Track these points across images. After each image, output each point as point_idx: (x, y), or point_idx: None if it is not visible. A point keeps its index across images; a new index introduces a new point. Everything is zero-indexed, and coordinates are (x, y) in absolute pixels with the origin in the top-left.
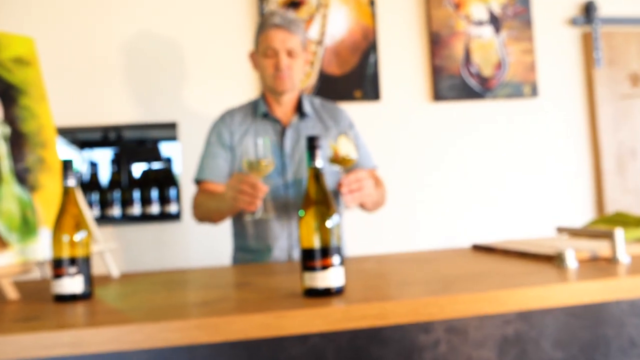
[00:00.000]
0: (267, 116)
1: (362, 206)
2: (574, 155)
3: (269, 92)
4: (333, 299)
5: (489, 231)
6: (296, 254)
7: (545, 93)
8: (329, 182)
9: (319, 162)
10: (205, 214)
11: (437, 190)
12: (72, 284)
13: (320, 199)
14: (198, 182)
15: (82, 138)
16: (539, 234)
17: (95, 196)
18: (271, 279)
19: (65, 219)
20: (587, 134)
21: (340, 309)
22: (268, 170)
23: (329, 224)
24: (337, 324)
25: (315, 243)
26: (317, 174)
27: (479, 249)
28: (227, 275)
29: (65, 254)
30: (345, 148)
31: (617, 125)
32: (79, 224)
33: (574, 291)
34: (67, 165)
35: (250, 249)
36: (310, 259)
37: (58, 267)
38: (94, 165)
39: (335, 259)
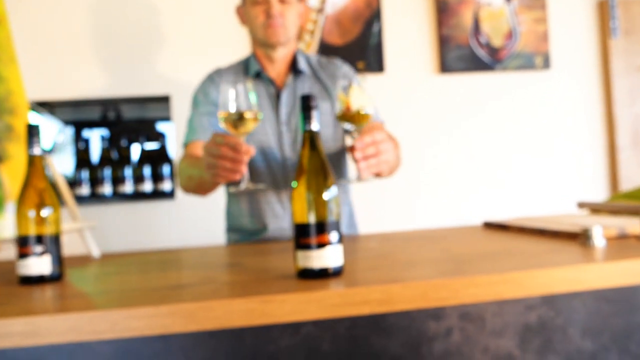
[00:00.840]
0: (260, 75)
1: (378, 174)
2: (588, 130)
3: (261, 47)
4: (330, 281)
5: (497, 209)
6: None
7: (558, 65)
8: (331, 147)
9: (315, 125)
10: (189, 183)
11: (443, 167)
12: (39, 264)
13: (316, 167)
14: (186, 145)
15: (71, 114)
16: (551, 212)
17: (86, 174)
18: (265, 259)
19: (30, 192)
20: (602, 108)
21: (338, 293)
22: (252, 126)
23: (326, 195)
24: (334, 311)
25: (310, 218)
26: (312, 139)
27: (491, 226)
28: (217, 256)
29: (31, 231)
30: (359, 100)
31: (633, 99)
32: (46, 198)
33: (605, 272)
34: (32, 131)
35: (244, 229)
36: (304, 236)
37: (23, 245)
38: (85, 141)
39: (333, 236)
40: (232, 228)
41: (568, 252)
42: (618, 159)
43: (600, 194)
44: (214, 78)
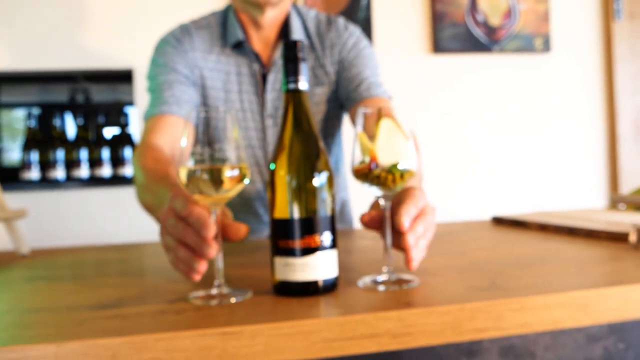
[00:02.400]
0: (242, 47)
1: None
2: (588, 117)
3: (244, 8)
4: (320, 302)
5: (490, 200)
6: None
7: (558, 47)
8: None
9: (302, 83)
10: (146, 206)
11: (434, 153)
12: None
13: (304, 142)
14: (148, 119)
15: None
16: (549, 205)
17: (35, 155)
18: (233, 261)
19: None
20: (603, 95)
21: (333, 322)
22: (234, 191)
23: (316, 181)
24: (326, 349)
25: (293, 211)
26: (298, 102)
27: (502, 222)
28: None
29: None
30: (392, 144)
31: (636, 87)
32: None
33: None
34: None
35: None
36: (285, 236)
37: None
38: (37, 118)
39: (325, 238)
40: None
41: (626, 260)
42: (618, 150)
43: (598, 185)
44: (180, 39)
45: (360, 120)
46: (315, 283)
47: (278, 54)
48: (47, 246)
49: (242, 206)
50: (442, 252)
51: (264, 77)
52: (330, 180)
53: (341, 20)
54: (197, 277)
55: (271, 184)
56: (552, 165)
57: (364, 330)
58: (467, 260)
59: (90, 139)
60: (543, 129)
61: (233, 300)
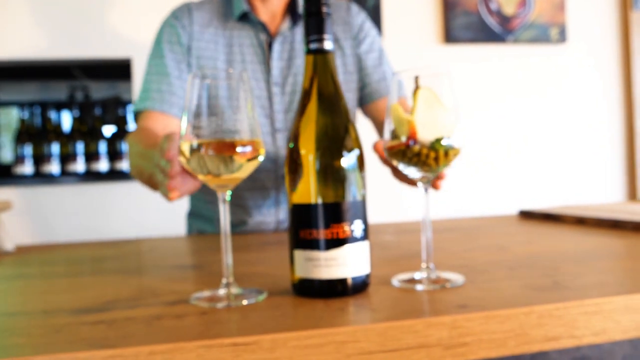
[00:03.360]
0: (248, 17)
1: None
2: (605, 110)
3: None
4: (350, 304)
5: (504, 194)
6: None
7: (575, 38)
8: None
9: (328, 43)
10: (139, 176)
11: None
12: None
13: (330, 113)
14: (137, 113)
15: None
16: (563, 199)
17: (29, 149)
18: (241, 257)
19: None
20: (621, 87)
21: (371, 330)
22: (245, 173)
23: (345, 159)
24: None
25: (317, 195)
26: (323, 65)
27: (531, 216)
28: (175, 250)
29: None
30: (434, 116)
31: None
32: None
33: None
34: None
35: (209, 218)
36: (307, 225)
37: None
38: (30, 110)
39: (356, 227)
40: (195, 213)
41: None
42: (636, 143)
43: (616, 180)
44: (180, 18)
45: (394, 88)
46: (343, 281)
47: (285, 26)
48: (40, 243)
49: (247, 180)
50: (479, 246)
51: (270, 47)
52: (362, 160)
53: (352, 4)
54: (174, 196)
55: (290, 164)
56: (567, 159)
57: (411, 341)
58: (510, 255)
59: (86, 131)
60: (558, 122)
61: (245, 302)
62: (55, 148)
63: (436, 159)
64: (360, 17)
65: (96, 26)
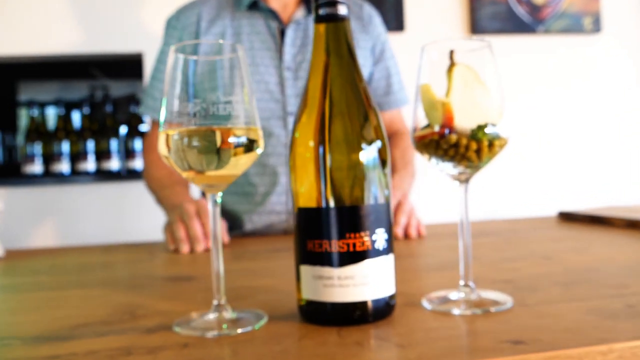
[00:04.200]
0: (258, 6)
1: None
2: None
3: None
4: (371, 335)
5: (536, 195)
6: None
7: (609, 28)
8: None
9: (342, 7)
10: (154, 195)
11: None
12: None
13: (343, 94)
14: (153, 120)
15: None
16: (596, 199)
17: (38, 148)
18: (238, 267)
19: None
20: None
21: None
22: (239, 170)
23: (365, 153)
24: None
25: (329, 197)
26: (334, 35)
27: (573, 219)
28: (177, 257)
29: None
30: (478, 103)
31: None
32: None
33: None
34: None
35: (225, 217)
36: (316, 234)
37: None
38: (39, 108)
39: (378, 237)
40: None
41: None
42: None
43: None
44: (186, 12)
45: (425, 63)
46: (362, 305)
47: (299, 14)
48: (50, 246)
49: (257, 165)
50: (521, 255)
51: (282, 35)
52: (384, 153)
53: (366, 4)
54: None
55: (295, 157)
56: (601, 156)
57: None
58: (561, 267)
59: (97, 129)
60: (591, 116)
61: (239, 331)
62: (65, 146)
63: (478, 151)
64: (380, 26)
65: (110, 20)
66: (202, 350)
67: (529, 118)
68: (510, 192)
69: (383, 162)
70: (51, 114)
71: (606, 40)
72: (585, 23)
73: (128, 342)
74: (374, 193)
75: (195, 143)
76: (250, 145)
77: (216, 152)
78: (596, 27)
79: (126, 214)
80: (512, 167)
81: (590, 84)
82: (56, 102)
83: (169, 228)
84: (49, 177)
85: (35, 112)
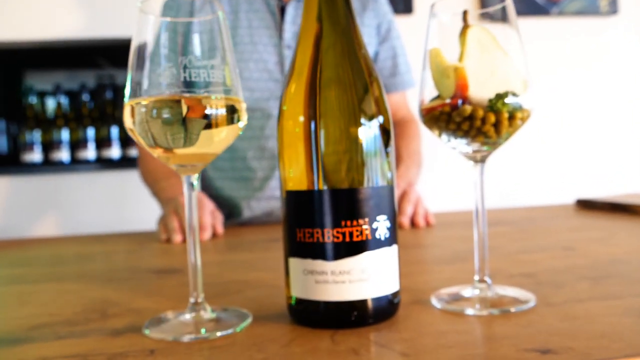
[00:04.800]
0: None
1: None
2: None
3: None
4: (370, 340)
5: (551, 181)
6: None
7: (627, 10)
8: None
9: None
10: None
11: None
12: None
13: (340, 58)
14: None
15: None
16: (620, 185)
17: (37, 135)
18: (223, 259)
19: None
20: None
21: None
22: (218, 147)
23: (365, 128)
24: None
25: (322, 179)
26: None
27: (592, 206)
28: (167, 247)
29: None
30: (496, 70)
31: None
32: None
33: None
34: None
35: (227, 204)
36: (307, 222)
37: None
38: (38, 94)
39: (379, 225)
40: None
41: None
42: None
43: None
44: (169, 5)
45: (434, 26)
46: (361, 305)
47: None
48: (50, 235)
49: (255, 149)
50: (540, 246)
51: (282, 11)
52: (387, 129)
53: None
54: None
55: (283, 135)
56: (617, 142)
57: None
58: (585, 259)
59: (97, 116)
60: (607, 101)
61: (218, 334)
62: (65, 134)
63: (496, 124)
64: (385, 6)
65: (118, 5)
66: (170, 358)
67: (542, 102)
68: (522, 178)
69: (385, 139)
70: (51, 102)
71: (623, 22)
72: (601, 4)
73: (88, 347)
74: (374, 174)
75: (160, 114)
76: (228, 119)
77: (183, 125)
78: (613, 8)
79: (127, 203)
80: (524, 152)
81: (607, 67)
82: (56, 90)
83: (162, 221)
84: (49, 165)
85: (34, 99)
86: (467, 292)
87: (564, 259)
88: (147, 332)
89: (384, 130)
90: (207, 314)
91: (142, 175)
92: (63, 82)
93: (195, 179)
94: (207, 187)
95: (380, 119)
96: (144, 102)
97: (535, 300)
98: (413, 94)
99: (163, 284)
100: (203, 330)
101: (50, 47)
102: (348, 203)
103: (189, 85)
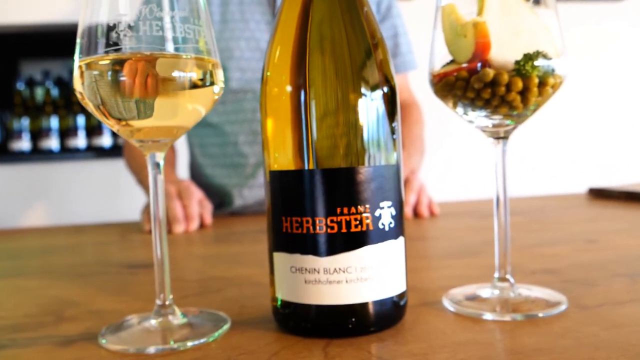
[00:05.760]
0: None
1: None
2: None
3: None
4: (371, 354)
5: (558, 169)
6: None
7: None
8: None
9: None
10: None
11: None
12: None
13: (331, 9)
14: None
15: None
16: (627, 176)
17: (26, 123)
18: (230, 250)
19: None
20: None
21: None
22: (188, 119)
23: (365, 98)
24: None
25: (313, 156)
26: None
27: (605, 195)
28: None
29: None
30: (522, 28)
31: None
32: None
33: None
34: None
35: (220, 193)
36: (295, 210)
37: None
38: (27, 81)
39: (384, 213)
40: (201, 184)
41: None
42: None
43: None
44: None
45: None
46: (361, 309)
47: None
48: (39, 225)
49: (247, 133)
50: (560, 238)
51: None
52: (393, 98)
53: None
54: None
55: (267, 104)
56: (624, 132)
57: None
58: (613, 253)
59: None
60: (613, 88)
61: (189, 344)
62: (54, 122)
63: (524, 91)
64: None
65: None
66: None
67: None
68: (530, 167)
69: (390, 110)
70: (39, 89)
71: (629, 8)
72: None
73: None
74: (377, 152)
75: (123, 77)
76: (196, 83)
77: (139, 90)
78: None
79: (119, 193)
80: (531, 140)
81: (611, 55)
82: (45, 76)
83: (146, 210)
84: (37, 154)
85: (22, 85)
86: (485, 292)
87: (588, 253)
88: (103, 341)
89: (389, 100)
90: (177, 319)
91: (127, 162)
92: (52, 69)
93: (161, 157)
94: (197, 175)
95: (385, 87)
96: (94, 62)
97: (567, 302)
98: (415, 76)
99: (135, 280)
100: (172, 342)
101: (39, 31)
102: (345, 186)
103: (149, 41)
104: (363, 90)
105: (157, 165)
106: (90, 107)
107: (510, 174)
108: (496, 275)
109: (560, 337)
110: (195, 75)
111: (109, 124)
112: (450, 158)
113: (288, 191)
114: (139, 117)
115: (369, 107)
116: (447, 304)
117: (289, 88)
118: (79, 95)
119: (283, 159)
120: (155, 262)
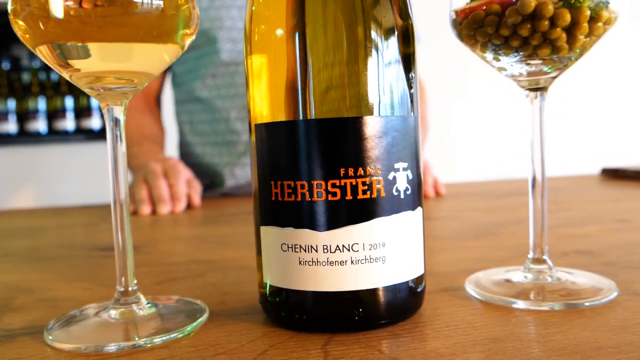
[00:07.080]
0: None
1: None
2: None
3: None
4: (382, 353)
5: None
6: None
7: None
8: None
9: None
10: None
11: (508, 97)
12: None
13: None
14: None
15: None
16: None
17: (12, 104)
18: (217, 231)
19: None
20: None
21: None
22: (153, 64)
23: (372, 40)
24: None
25: (309, 103)
26: None
27: (620, 176)
28: (134, 220)
29: None
30: None
31: None
32: None
33: None
34: None
35: (210, 172)
36: (287, 173)
37: None
38: (13, 60)
39: (399, 176)
40: (189, 163)
41: None
42: None
43: None
44: None
45: None
46: (369, 297)
47: None
48: (24, 208)
49: (239, 108)
50: (586, 217)
51: None
52: (409, 38)
53: None
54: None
55: (253, 44)
56: (633, 113)
57: None
58: None
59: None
60: (624, 67)
61: (157, 340)
62: (41, 103)
63: (571, 28)
64: None
65: None
66: None
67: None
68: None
69: (405, 53)
70: (25, 69)
71: None
72: None
73: None
74: (389, 100)
75: (70, 3)
76: (170, 17)
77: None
78: None
79: (108, 176)
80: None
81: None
82: (31, 56)
83: (130, 190)
84: (24, 136)
85: (7, 64)
86: (517, 275)
87: (623, 233)
88: (49, 337)
89: (405, 39)
90: (143, 309)
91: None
92: None
93: (120, 112)
94: (186, 154)
95: (400, 22)
96: None
97: (617, 289)
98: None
99: (105, 264)
100: (136, 337)
101: None
102: (350, 141)
103: None
104: (374, 23)
105: (117, 121)
106: (22, 36)
107: (518, 155)
108: (530, 255)
109: (622, 332)
110: (176, 10)
111: (65, 74)
112: (453, 140)
113: (278, 149)
114: (79, 56)
115: (381, 42)
116: (471, 290)
117: (281, 18)
118: (14, 24)
119: (272, 107)
120: (115, 240)
